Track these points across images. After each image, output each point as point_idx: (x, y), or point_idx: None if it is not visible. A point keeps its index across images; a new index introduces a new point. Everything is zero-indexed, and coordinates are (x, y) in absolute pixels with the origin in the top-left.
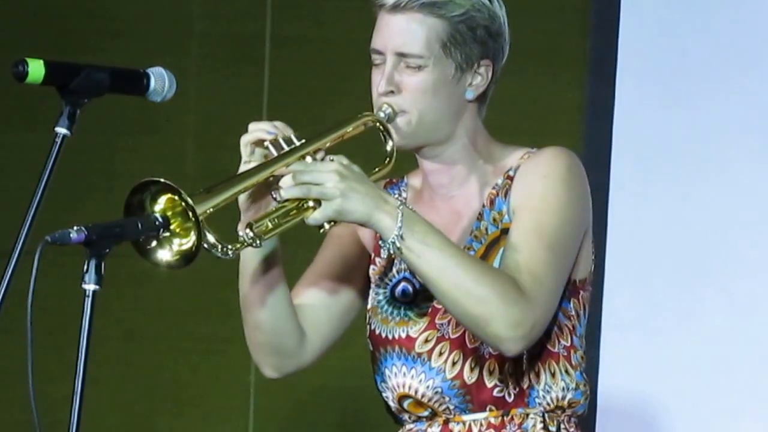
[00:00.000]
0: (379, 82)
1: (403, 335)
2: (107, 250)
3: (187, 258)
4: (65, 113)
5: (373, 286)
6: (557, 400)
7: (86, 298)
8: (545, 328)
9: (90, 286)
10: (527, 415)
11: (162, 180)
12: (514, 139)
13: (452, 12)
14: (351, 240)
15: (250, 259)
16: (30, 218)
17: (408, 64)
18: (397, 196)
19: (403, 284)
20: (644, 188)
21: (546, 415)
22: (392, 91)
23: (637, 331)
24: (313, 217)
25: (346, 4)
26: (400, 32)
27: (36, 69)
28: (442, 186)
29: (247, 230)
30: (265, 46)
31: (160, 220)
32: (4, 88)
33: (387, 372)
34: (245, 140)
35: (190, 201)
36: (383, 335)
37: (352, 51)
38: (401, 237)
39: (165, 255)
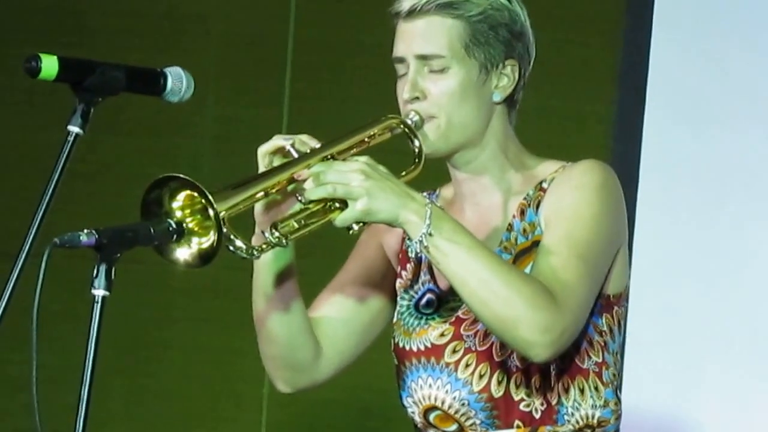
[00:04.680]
0: (404, 90)
1: (428, 344)
2: (118, 255)
3: (205, 257)
4: (78, 111)
5: (398, 299)
6: (586, 418)
7: (95, 304)
8: (575, 336)
9: (99, 292)
10: None
11: (182, 176)
12: (542, 152)
13: (470, 11)
14: (376, 254)
15: (264, 270)
16: (38, 219)
17: (431, 68)
18: None
19: (427, 296)
20: (672, 204)
21: None
22: (417, 98)
23: (662, 346)
24: (341, 218)
25: (371, 8)
26: (420, 35)
27: (49, 65)
28: (474, 194)
29: (273, 230)
30: (287, 50)
31: (174, 226)
32: (17, 85)
33: (413, 386)
34: (263, 150)
35: (210, 198)
36: (406, 348)
37: (377, 56)
38: (429, 235)
39: (183, 253)
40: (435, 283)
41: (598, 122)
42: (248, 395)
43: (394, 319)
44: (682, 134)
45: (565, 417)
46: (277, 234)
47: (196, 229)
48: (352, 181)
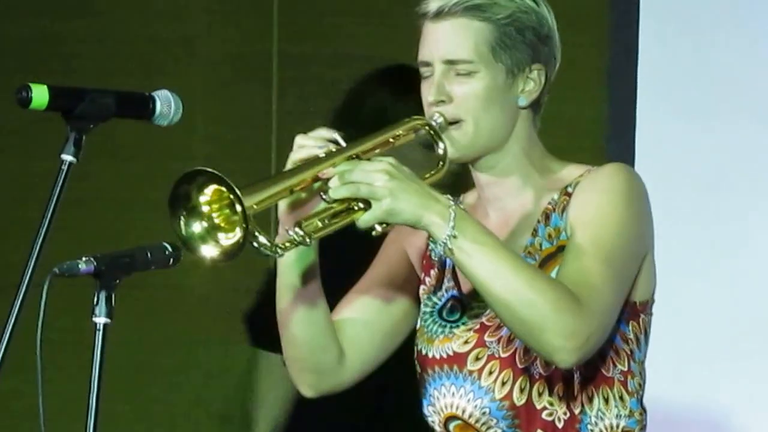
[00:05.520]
0: (429, 93)
1: (450, 352)
2: (117, 282)
3: (231, 253)
4: (71, 139)
5: (421, 306)
6: (610, 427)
7: (97, 332)
8: (601, 342)
9: (101, 320)
10: None
11: (210, 170)
12: None
13: (497, 14)
14: (399, 260)
15: (288, 270)
16: (37, 249)
17: (458, 71)
18: None
19: (451, 303)
20: (667, 204)
21: None
22: (443, 101)
23: (659, 342)
24: (363, 219)
25: (353, 21)
26: (447, 39)
27: (40, 94)
28: (498, 199)
29: (297, 228)
30: (272, 67)
31: (171, 249)
32: (8, 115)
33: (435, 394)
34: (294, 158)
35: (238, 192)
36: (429, 355)
37: (361, 69)
38: (453, 237)
39: (209, 250)
40: (459, 289)
41: (590, 123)
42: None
43: (417, 326)
44: (675, 131)
45: (589, 426)
46: (301, 232)
47: (222, 224)
48: (376, 181)
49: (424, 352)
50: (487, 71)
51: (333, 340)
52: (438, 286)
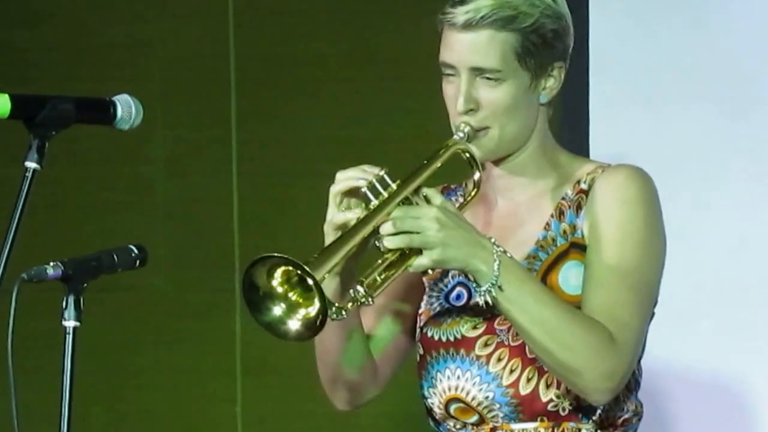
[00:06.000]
0: (456, 99)
1: (459, 336)
2: (85, 285)
3: (312, 327)
4: (34, 147)
5: (426, 290)
6: (611, 418)
7: (67, 336)
8: (633, 369)
9: (70, 323)
10: (579, 429)
11: (276, 255)
12: None
13: (523, 23)
14: None
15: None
16: (5, 256)
17: (485, 78)
18: (454, 200)
19: (458, 289)
20: None
21: (598, 431)
22: (473, 109)
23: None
24: (416, 265)
25: (310, 20)
26: (475, 49)
27: (1, 104)
28: (508, 189)
29: (359, 287)
30: (230, 68)
31: (136, 251)
32: None
33: (439, 376)
34: (335, 190)
35: (307, 269)
36: (436, 338)
37: (319, 68)
38: (498, 286)
39: (295, 325)
40: (466, 275)
41: None
42: (223, 414)
43: (421, 309)
44: (628, 118)
45: (590, 416)
46: (362, 291)
47: (300, 300)
48: (428, 230)
49: (429, 334)
50: (515, 79)
51: (370, 360)
52: (444, 272)
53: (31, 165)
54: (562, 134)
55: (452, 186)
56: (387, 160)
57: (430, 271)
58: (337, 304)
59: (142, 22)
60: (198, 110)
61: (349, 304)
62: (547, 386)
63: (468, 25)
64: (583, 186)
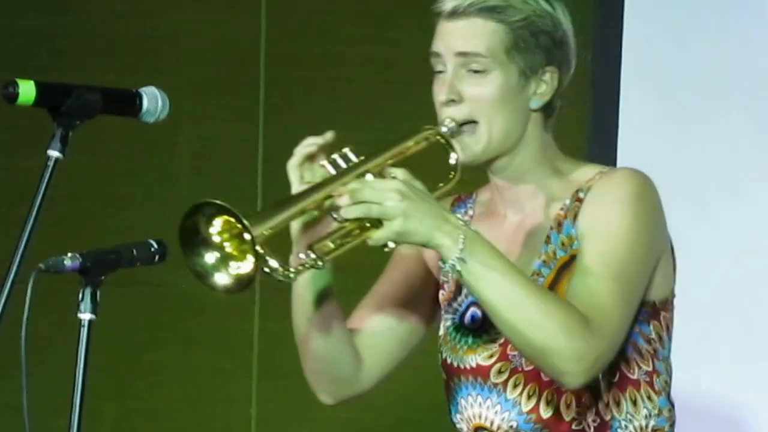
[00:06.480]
0: (440, 91)
1: (473, 364)
2: (102, 278)
3: (244, 282)
4: (57, 136)
5: (442, 312)
6: (641, 428)
7: (82, 328)
8: (609, 361)
9: (86, 316)
10: None
11: (216, 202)
12: None
13: (512, 17)
14: (416, 263)
15: (303, 292)
16: (23, 245)
17: (470, 68)
18: (463, 213)
19: (472, 309)
20: None
21: None
22: (454, 100)
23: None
24: (375, 238)
25: (342, 21)
26: (461, 34)
27: (27, 90)
28: (514, 202)
29: (309, 252)
30: (260, 65)
31: (156, 246)
32: None
33: (462, 402)
34: (292, 163)
35: (245, 222)
36: (455, 364)
37: (350, 68)
38: (462, 260)
39: (223, 279)
40: None
41: (573, 124)
42: (237, 416)
43: (440, 332)
44: (657, 133)
45: (619, 430)
46: (313, 255)
47: (234, 253)
48: (388, 201)
49: (449, 360)
50: (501, 71)
51: (351, 351)
52: (457, 291)
53: (54, 154)
54: (591, 148)
55: (462, 197)
56: (418, 162)
57: (390, 244)
58: (283, 266)
59: (174, 14)
60: (226, 107)
61: (300, 267)
62: (567, 406)
63: (455, 12)
64: (581, 195)
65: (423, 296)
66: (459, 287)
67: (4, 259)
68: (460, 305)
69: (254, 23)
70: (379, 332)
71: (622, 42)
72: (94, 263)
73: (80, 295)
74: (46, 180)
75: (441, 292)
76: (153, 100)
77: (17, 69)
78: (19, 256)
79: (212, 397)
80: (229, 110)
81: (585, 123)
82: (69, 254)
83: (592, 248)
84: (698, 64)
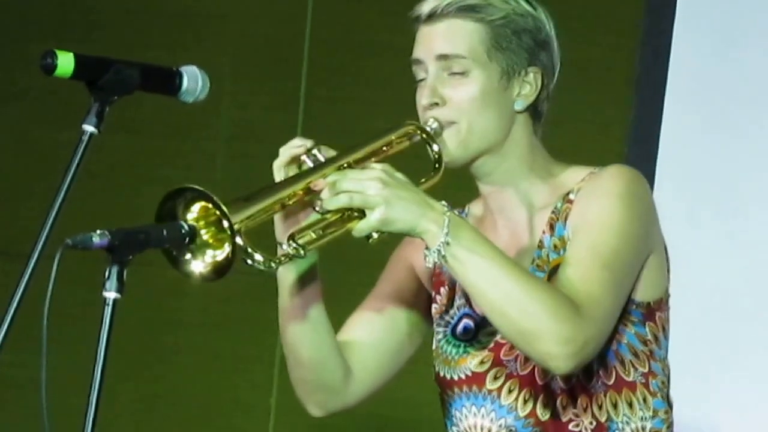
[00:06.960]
0: (422, 96)
1: (468, 372)
2: (130, 257)
3: (220, 270)
4: (93, 110)
5: (435, 326)
6: (637, 430)
7: (106, 307)
8: (599, 347)
9: (111, 294)
10: None
11: (196, 187)
12: (557, 157)
13: (492, 15)
14: (406, 276)
15: (287, 290)
16: (51, 220)
17: (451, 71)
18: None
19: (464, 321)
20: (688, 212)
21: None
22: (437, 104)
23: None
24: (358, 228)
25: (388, 9)
26: (441, 36)
27: (65, 62)
28: (503, 209)
29: (290, 241)
30: (303, 51)
31: (187, 228)
32: (33, 84)
33: (457, 414)
34: (278, 164)
35: (224, 209)
36: (448, 377)
37: (394, 57)
38: (447, 244)
39: (198, 266)
40: (470, 306)
41: (615, 125)
42: (257, 404)
43: (433, 346)
44: (699, 138)
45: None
46: (294, 245)
47: (211, 241)
48: (369, 190)
49: (442, 374)
50: (482, 71)
51: (338, 360)
52: (449, 304)
53: (89, 128)
54: (632, 150)
55: (455, 211)
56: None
57: (374, 235)
58: (263, 256)
59: None
60: (267, 91)
61: (281, 257)
62: (564, 407)
63: (433, 15)
64: (572, 196)
65: (414, 308)
66: (451, 300)
67: (34, 232)
68: (452, 318)
69: (301, 7)
70: (369, 344)
71: (671, 47)
72: (122, 242)
73: (106, 273)
74: (79, 155)
75: (433, 305)
76: (193, 80)
77: (56, 42)
78: (46, 230)
79: (232, 384)
80: (269, 95)
81: (627, 125)
82: (98, 231)
83: (583, 238)
84: (745, 74)
